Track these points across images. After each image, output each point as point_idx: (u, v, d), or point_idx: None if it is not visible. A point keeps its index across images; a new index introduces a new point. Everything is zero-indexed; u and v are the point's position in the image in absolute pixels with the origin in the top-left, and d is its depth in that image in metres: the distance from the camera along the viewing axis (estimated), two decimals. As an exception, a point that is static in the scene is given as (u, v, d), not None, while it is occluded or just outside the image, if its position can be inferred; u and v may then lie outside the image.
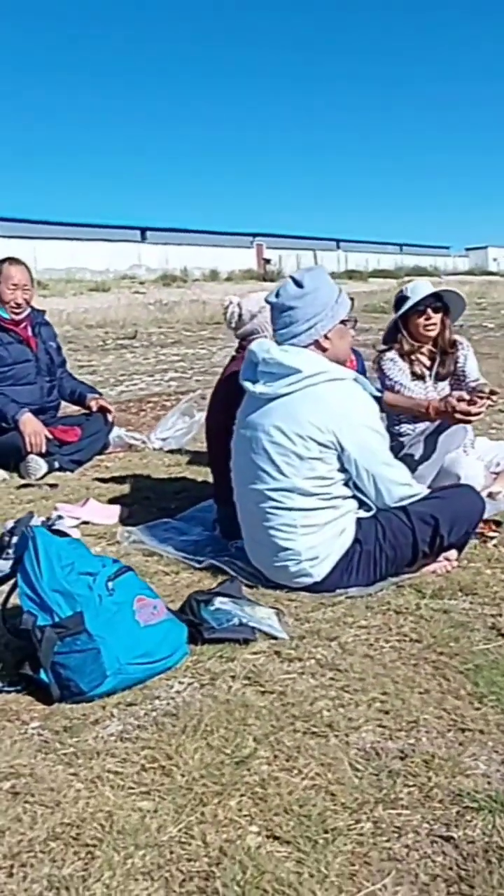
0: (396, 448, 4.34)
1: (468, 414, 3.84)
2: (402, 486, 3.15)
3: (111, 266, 37.18)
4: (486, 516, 3.86)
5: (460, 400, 3.83)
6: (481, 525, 3.72)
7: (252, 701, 2.34)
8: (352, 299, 4.34)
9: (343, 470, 3.07)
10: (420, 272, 43.03)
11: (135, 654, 2.43)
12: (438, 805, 1.84)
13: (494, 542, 3.63)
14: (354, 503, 3.15)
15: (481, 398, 3.90)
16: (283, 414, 3.04)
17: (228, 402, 3.49)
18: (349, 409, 3.04)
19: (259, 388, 3.10)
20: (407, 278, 37.21)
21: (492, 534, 3.69)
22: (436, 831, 1.76)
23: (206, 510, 4.10)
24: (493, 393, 4.04)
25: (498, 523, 3.79)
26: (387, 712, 2.25)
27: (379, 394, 3.42)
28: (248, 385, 3.15)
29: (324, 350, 3.14)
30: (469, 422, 3.94)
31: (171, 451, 5.70)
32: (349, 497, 3.13)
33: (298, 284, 3.11)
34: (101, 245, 38.60)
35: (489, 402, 3.99)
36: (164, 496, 4.58)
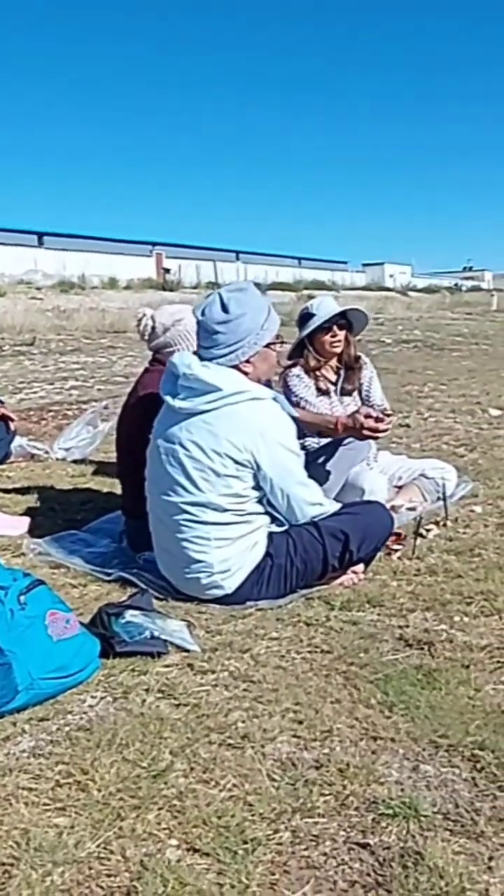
0: (309, 460, 4.41)
1: (376, 431, 3.93)
2: (313, 505, 3.21)
3: (6, 270, 36.40)
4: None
5: (367, 417, 3.92)
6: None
7: (166, 714, 2.34)
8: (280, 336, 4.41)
9: (258, 487, 3.11)
10: (318, 286, 43.62)
11: (47, 669, 2.40)
12: (354, 813, 1.88)
13: (398, 554, 3.71)
14: (267, 518, 3.20)
15: (388, 415, 4.01)
16: (202, 430, 3.06)
17: (143, 413, 3.49)
18: (267, 428, 3.08)
19: (179, 402, 3.11)
20: (306, 291, 37.76)
21: (396, 546, 3.77)
22: (352, 838, 1.80)
23: (113, 522, 4.07)
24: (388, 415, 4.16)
25: (402, 536, 3.88)
26: (301, 722, 2.28)
27: (297, 414, 3.47)
28: (167, 398, 3.16)
29: (245, 373, 3.16)
30: (376, 438, 4.04)
31: (76, 462, 5.65)
32: (262, 513, 3.17)
33: (224, 308, 3.11)
34: (-5, 248, 37.76)
35: (395, 419, 4.10)
36: (69, 507, 4.53)
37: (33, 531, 4.06)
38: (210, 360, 3.13)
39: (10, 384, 9.80)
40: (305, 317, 4.71)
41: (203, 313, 3.16)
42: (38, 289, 31.00)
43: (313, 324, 4.57)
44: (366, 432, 3.94)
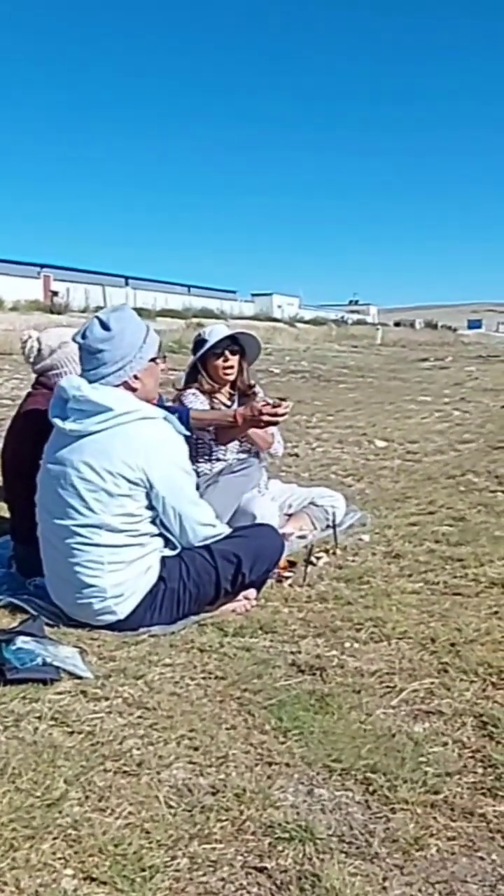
0: (202, 485, 4.43)
1: (275, 416, 3.98)
2: (205, 525, 3.23)
3: None
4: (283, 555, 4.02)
5: (265, 404, 3.97)
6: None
7: (60, 742, 2.30)
8: (164, 356, 4.44)
9: (151, 507, 3.11)
10: (207, 314, 43.85)
11: None
12: (251, 837, 1.90)
13: (289, 581, 3.76)
14: (160, 541, 3.20)
15: (283, 400, 4.08)
16: (94, 451, 3.05)
17: (31, 436, 3.44)
18: (159, 447, 3.10)
19: (69, 425, 3.09)
20: (195, 319, 37.86)
21: (287, 574, 3.83)
22: (250, 863, 1.81)
23: (1, 546, 3.99)
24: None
25: (292, 563, 3.94)
26: (196, 748, 2.29)
27: (188, 433, 3.49)
28: (57, 422, 3.14)
29: (133, 390, 3.18)
30: (276, 423, 4.09)
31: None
32: (156, 535, 3.17)
33: (105, 327, 3.14)
34: None
35: (290, 404, 4.18)
36: (-44, 530, 4.41)
37: None
38: (97, 380, 3.13)
39: None
40: (199, 343, 4.76)
41: (84, 336, 3.17)
42: None
43: (205, 347, 4.63)
44: (265, 418, 3.99)
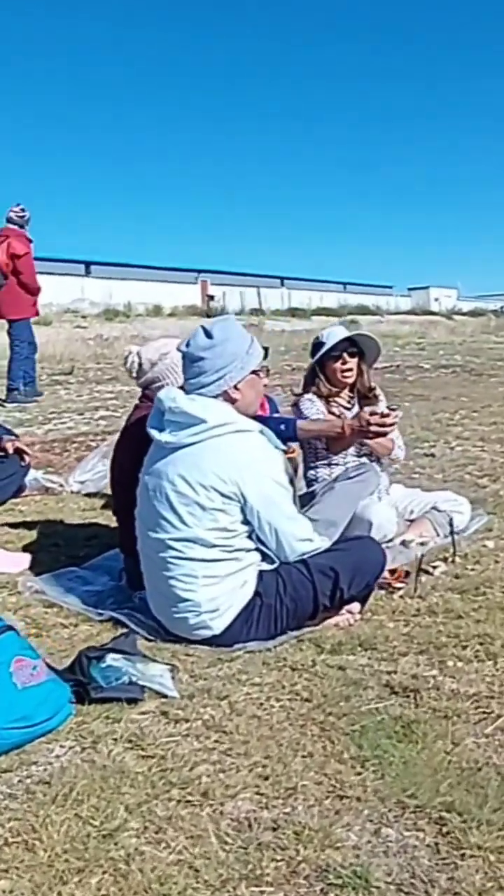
0: (309, 495, 4.33)
1: (383, 426, 3.84)
2: (303, 541, 3.13)
3: (54, 300, 36.86)
4: (396, 565, 3.86)
5: (373, 414, 3.83)
6: (388, 575, 3.72)
7: (130, 766, 2.27)
8: (266, 348, 4.36)
9: (246, 522, 3.04)
10: (363, 311, 43.54)
11: (11, 718, 2.35)
12: (303, 882, 1.79)
13: (401, 593, 3.60)
14: (257, 555, 3.12)
15: (393, 409, 3.92)
16: (188, 463, 3.01)
17: (134, 450, 3.45)
18: (253, 460, 3.03)
19: (165, 436, 3.07)
20: (349, 316, 37.70)
21: (399, 585, 3.67)
22: (296, 911, 1.71)
23: (113, 559, 4.03)
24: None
25: (407, 574, 3.77)
26: (266, 778, 2.19)
27: (285, 447, 3.41)
28: (154, 433, 3.12)
29: (233, 401, 3.12)
30: (385, 434, 3.94)
31: (88, 495, 5.61)
32: (252, 549, 3.10)
33: (208, 335, 3.09)
34: (44, 278, 38.19)
35: (401, 413, 4.01)
36: (74, 543, 4.50)
37: (34, 568, 4.03)
38: (198, 389, 3.10)
39: (40, 415, 9.85)
40: (317, 346, 4.67)
41: (188, 345, 3.14)
42: (84, 317, 31.37)
43: (322, 351, 4.53)
44: (374, 429, 3.84)
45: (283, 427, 3.82)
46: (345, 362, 4.52)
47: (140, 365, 3.73)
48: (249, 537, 3.09)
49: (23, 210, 11.16)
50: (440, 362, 17.01)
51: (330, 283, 55.16)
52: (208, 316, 35.01)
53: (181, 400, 3.08)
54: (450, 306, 52.44)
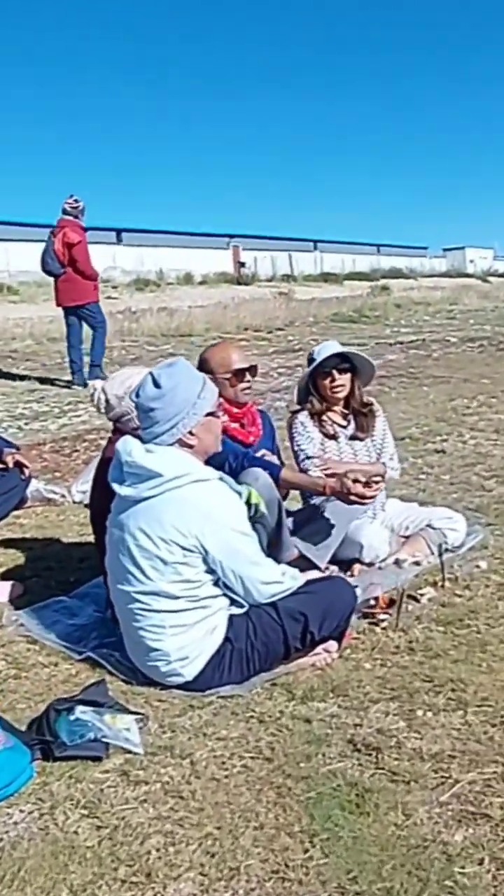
0: (309, 513, 4.32)
1: (363, 497, 3.80)
2: (270, 584, 3.11)
3: (86, 269, 36.91)
4: (385, 590, 3.83)
5: (356, 481, 3.79)
6: (374, 602, 3.70)
7: (82, 840, 2.29)
8: (253, 366, 4.33)
9: (210, 571, 3.04)
10: (395, 274, 43.07)
11: (-34, 788, 2.38)
12: None
13: (384, 624, 3.58)
14: (225, 601, 3.12)
15: (376, 481, 3.87)
16: (147, 517, 3.01)
17: (105, 486, 3.45)
18: (212, 511, 3.01)
19: (125, 490, 3.07)
20: (382, 281, 37.30)
21: (383, 616, 3.64)
22: None
23: (101, 586, 4.04)
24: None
25: (392, 602, 3.73)
26: (213, 855, 2.20)
27: (240, 490, 3.39)
28: (115, 486, 3.12)
29: (190, 446, 3.10)
30: (363, 504, 3.90)
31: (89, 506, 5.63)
32: (219, 595, 3.10)
33: (156, 384, 3.07)
34: (74, 248, 38.23)
35: (383, 484, 3.99)
36: (67, 564, 4.53)
37: (21, 597, 4.06)
38: (153, 439, 3.08)
39: (57, 406, 9.88)
40: (311, 361, 4.64)
41: (137, 395, 3.12)
42: (115, 287, 31.25)
43: (312, 366, 4.52)
44: (353, 497, 3.81)
45: (268, 472, 3.79)
46: (334, 379, 4.51)
47: (107, 401, 3.72)
48: (216, 584, 3.08)
49: (76, 201, 11.51)
50: (468, 334, 16.79)
51: (364, 246, 54.60)
52: (238, 283, 34.86)
53: (137, 454, 3.06)
54: (486, 267, 51.64)
